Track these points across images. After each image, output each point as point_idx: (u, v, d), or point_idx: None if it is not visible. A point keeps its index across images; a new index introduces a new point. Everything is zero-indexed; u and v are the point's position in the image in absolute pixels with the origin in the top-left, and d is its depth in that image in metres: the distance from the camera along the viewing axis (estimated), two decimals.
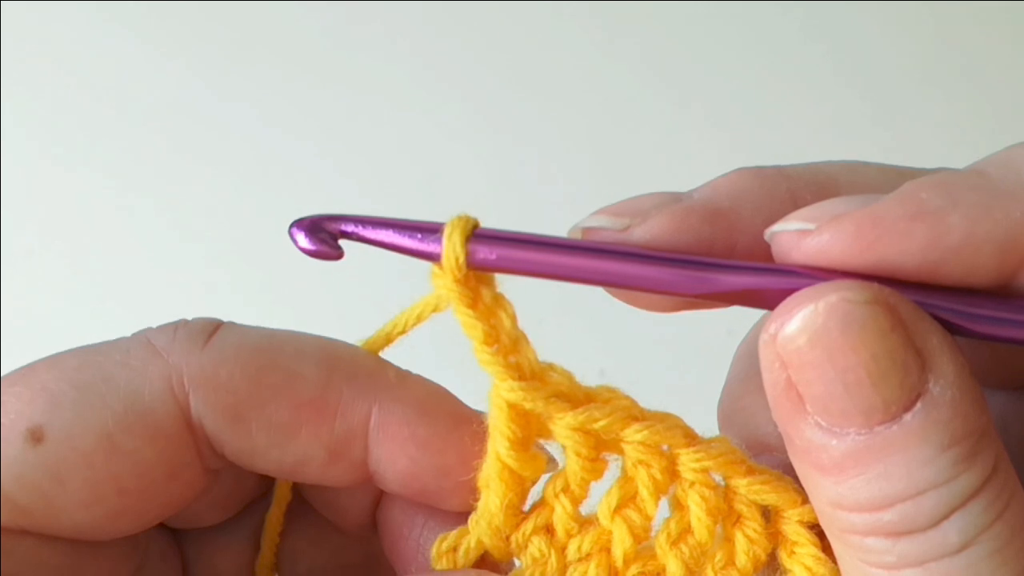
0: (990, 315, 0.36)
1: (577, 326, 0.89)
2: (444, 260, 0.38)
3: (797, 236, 0.36)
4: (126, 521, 0.41)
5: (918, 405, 0.35)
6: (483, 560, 0.42)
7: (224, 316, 0.43)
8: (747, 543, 0.40)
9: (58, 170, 1.11)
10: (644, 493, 0.40)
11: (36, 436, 0.39)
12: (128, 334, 0.42)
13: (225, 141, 1.12)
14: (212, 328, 0.41)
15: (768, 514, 0.41)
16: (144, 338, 0.41)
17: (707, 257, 0.38)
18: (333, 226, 0.38)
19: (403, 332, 0.43)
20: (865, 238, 0.35)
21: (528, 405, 0.39)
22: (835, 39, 1.18)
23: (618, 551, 0.41)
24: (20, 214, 1.09)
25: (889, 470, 0.35)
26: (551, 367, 0.40)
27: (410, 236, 0.38)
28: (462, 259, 0.38)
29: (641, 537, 0.41)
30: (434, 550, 0.42)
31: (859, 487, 0.35)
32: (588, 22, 1.17)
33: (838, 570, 0.39)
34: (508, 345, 0.39)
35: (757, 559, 0.41)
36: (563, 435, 0.40)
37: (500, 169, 1.13)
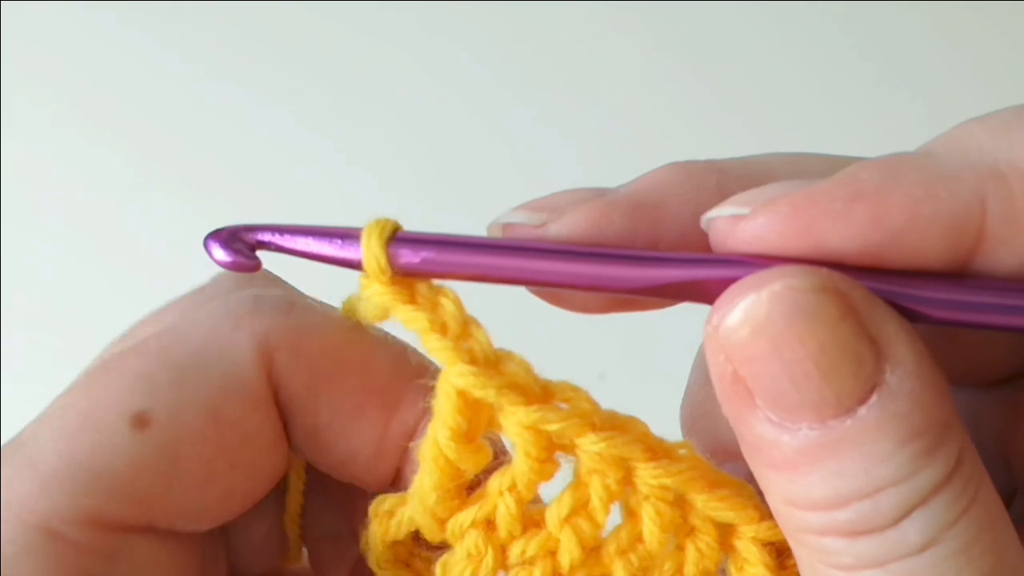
0: (948, 299, 0.34)
1: (577, 329, 0.88)
2: (365, 266, 0.36)
3: (731, 222, 0.34)
4: (237, 500, 0.40)
5: (873, 397, 0.33)
6: (416, 536, 0.40)
7: None
8: (698, 556, 0.39)
9: (58, 169, 1.11)
10: (596, 502, 0.38)
11: (141, 421, 0.38)
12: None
13: (225, 140, 1.12)
14: (291, 301, 0.41)
15: (725, 525, 0.39)
16: (225, 308, 0.40)
17: (638, 251, 0.36)
18: (250, 236, 0.37)
19: None
20: (801, 220, 0.33)
21: (478, 393, 0.36)
22: (848, 37, 1.16)
23: (565, 560, 0.39)
24: (20, 213, 1.09)
25: (844, 467, 0.33)
26: (508, 355, 0.37)
27: (329, 243, 0.37)
28: (384, 264, 0.36)
29: (589, 545, 0.39)
30: (372, 508, 0.40)
31: (813, 485, 0.33)
32: (592, 15, 1.16)
33: None
34: (457, 331, 0.37)
35: (706, 572, 0.39)
36: (513, 432, 0.37)
37: (494, 167, 1.12)
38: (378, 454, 0.41)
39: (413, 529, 0.40)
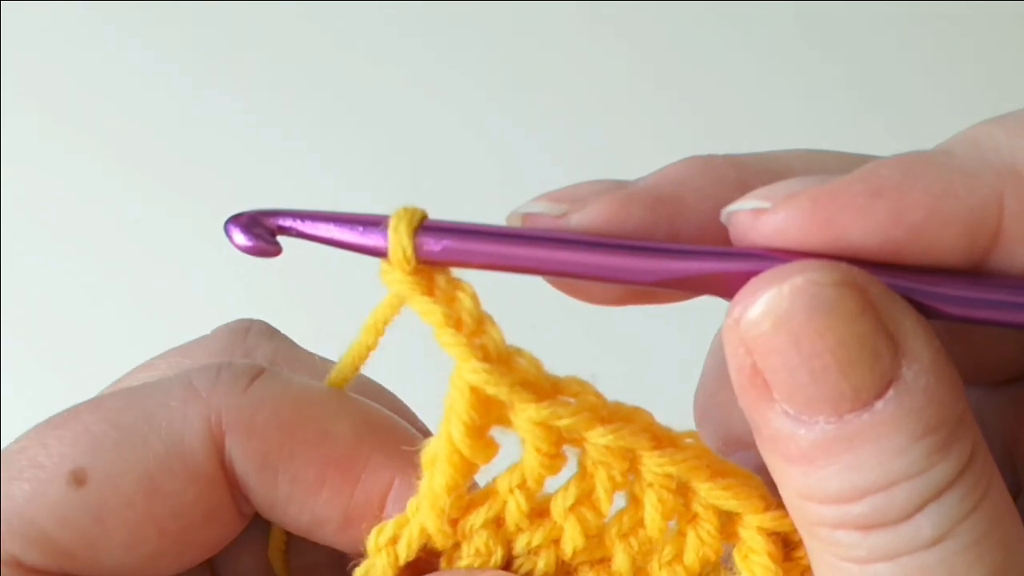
0: (965, 296, 0.35)
1: (570, 330, 0.88)
2: (391, 254, 0.36)
3: (753, 216, 0.35)
4: (166, 562, 0.41)
5: (890, 392, 0.33)
6: (425, 549, 0.40)
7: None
8: (698, 543, 0.39)
9: (58, 170, 1.10)
10: (601, 493, 0.39)
11: (79, 478, 0.39)
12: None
13: (224, 142, 1.12)
14: (255, 373, 0.41)
15: (729, 514, 0.39)
16: (186, 379, 0.41)
17: (659, 243, 0.36)
18: (271, 221, 0.37)
19: (369, 351, 0.41)
20: (822, 215, 0.34)
21: (491, 390, 0.37)
22: (831, 37, 1.17)
23: (568, 548, 0.39)
24: (20, 213, 1.09)
25: (859, 460, 0.33)
26: (518, 352, 0.38)
27: (351, 229, 0.37)
28: (410, 252, 0.36)
29: (592, 533, 0.39)
30: (370, 544, 0.40)
31: (828, 478, 0.34)
32: (579, 18, 1.16)
33: None
34: (472, 326, 0.37)
35: (705, 560, 0.39)
36: (524, 428, 0.38)
37: (485, 167, 1.12)
38: (346, 522, 0.41)
39: (424, 541, 0.40)
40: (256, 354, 0.44)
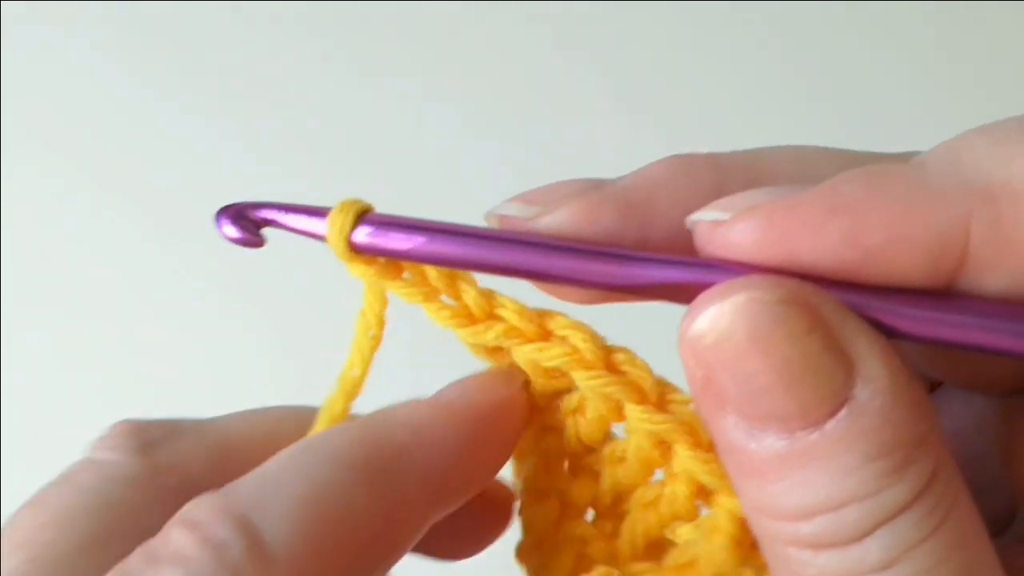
0: (926, 316, 0.33)
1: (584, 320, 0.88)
2: (329, 240, 0.38)
3: (712, 227, 0.34)
4: None
5: (842, 412, 0.32)
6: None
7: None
8: (673, 499, 0.40)
9: (58, 171, 1.12)
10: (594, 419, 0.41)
11: None
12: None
13: (224, 143, 1.11)
14: (166, 432, 0.42)
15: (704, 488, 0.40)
16: (119, 474, 0.40)
17: (618, 249, 0.36)
18: (255, 213, 0.38)
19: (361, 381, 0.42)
20: (777, 231, 0.33)
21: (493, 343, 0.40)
22: (827, 37, 1.11)
23: (573, 440, 0.42)
24: (19, 214, 1.11)
25: (809, 478, 0.33)
26: (494, 294, 0.40)
27: (319, 220, 0.38)
28: (346, 234, 0.38)
29: (590, 440, 0.42)
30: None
31: (780, 494, 0.33)
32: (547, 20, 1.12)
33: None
34: (446, 290, 0.39)
35: (677, 516, 0.40)
36: (521, 364, 0.40)
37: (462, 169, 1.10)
38: None
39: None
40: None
